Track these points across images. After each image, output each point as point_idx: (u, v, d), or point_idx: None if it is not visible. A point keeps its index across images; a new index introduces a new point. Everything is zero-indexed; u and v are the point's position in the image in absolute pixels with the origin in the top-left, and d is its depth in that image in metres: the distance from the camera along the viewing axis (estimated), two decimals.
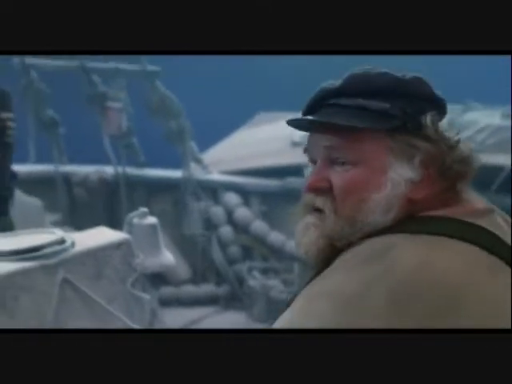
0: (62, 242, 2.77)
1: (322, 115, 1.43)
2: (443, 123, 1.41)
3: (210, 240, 6.36)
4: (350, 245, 1.39)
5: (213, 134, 7.10)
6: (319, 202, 1.42)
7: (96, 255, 2.82)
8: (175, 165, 5.97)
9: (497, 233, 1.35)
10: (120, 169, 5.39)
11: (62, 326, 2.61)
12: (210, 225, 6.33)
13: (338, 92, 1.42)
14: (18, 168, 5.56)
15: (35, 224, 4.44)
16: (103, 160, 5.54)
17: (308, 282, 1.45)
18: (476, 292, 1.27)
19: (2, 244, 2.80)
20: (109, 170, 5.53)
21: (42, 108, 5.46)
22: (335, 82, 1.43)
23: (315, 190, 1.43)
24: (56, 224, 5.17)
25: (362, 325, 1.28)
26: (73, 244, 2.80)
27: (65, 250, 2.75)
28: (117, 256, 2.88)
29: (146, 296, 2.95)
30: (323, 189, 1.42)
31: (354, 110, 1.39)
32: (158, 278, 3.48)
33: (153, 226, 3.24)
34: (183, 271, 6.09)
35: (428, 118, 1.38)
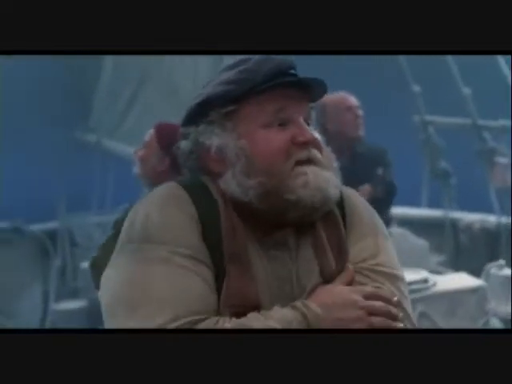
0: (425, 281, 3.39)
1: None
2: None
3: None
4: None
5: None
6: (315, 153, 1.57)
7: (452, 296, 3.38)
8: None
9: None
10: (503, 219, 5.78)
11: None
12: None
13: (293, 66, 1.60)
14: (411, 211, 6.27)
15: (420, 262, 5.06)
16: (488, 210, 5.98)
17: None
18: None
19: None
20: (492, 220, 5.94)
21: (437, 160, 6.09)
22: (275, 57, 1.59)
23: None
24: (440, 264, 5.73)
25: None
26: (434, 284, 3.39)
27: (427, 288, 3.36)
28: (471, 299, 3.39)
29: None
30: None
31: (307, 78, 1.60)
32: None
33: (508, 278, 3.67)
34: None
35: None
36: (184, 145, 1.60)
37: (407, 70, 6.12)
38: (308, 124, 1.59)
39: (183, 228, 1.51)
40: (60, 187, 6.81)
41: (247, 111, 1.56)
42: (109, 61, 6.18)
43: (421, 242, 5.68)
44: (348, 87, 4.94)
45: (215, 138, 1.56)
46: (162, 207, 1.53)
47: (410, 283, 3.34)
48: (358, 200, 1.70)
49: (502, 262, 3.70)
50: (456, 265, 5.77)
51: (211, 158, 1.57)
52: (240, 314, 1.49)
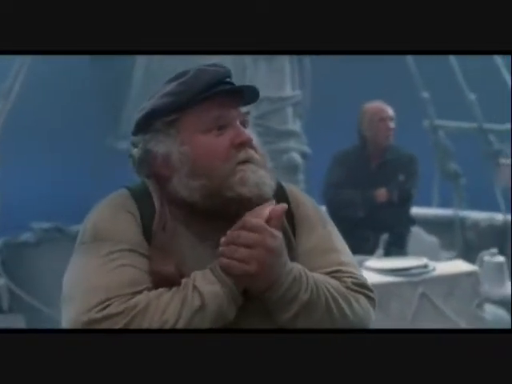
0: (425, 266, 3.81)
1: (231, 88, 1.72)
2: None
3: None
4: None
5: None
6: (252, 153, 1.71)
7: (450, 279, 3.80)
8: None
9: None
10: (509, 217, 6.14)
11: (418, 327, 3.62)
12: None
13: (228, 74, 1.73)
14: (423, 211, 6.64)
15: (431, 258, 5.44)
16: (495, 208, 6.36)
17: None
18: None
19: (388, 264, 3.92)
20: (498, 218, 6.30)
21: (447, 162, 6.48)
22: (213, 66, 1.72)
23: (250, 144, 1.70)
24: (450, 260, 6.09)
25: None
26: (433, 269, 3.82)
27: (427, 272, 3.79)
28: (467, 282, 3.81)
29: (489, 317, 3.83)
30: None
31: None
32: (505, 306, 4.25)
33: (500, 264, 4.08)
34: None
35: None
36: (135, 152, 1.75)
37: (417, 76, 6.51)
38: (245, 126, 1.73)
39: (126, 227, 1.67)
40: (93, 192, 7.10)
41: (188, 119, 1.69)
42: (139, 68, 6.29)
43: (432, 239, 6.06)
44: (364, 93, 5.33)
45: (161, 145, 1.70)
46: (110, 211, 1.71)
47: (412, 268, 3.77)
48: (299, 194, 1.84)
49: (494, 250, 4.13)
50: (465, 261, 6.11)
51: (159, 164, 1.71)
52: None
